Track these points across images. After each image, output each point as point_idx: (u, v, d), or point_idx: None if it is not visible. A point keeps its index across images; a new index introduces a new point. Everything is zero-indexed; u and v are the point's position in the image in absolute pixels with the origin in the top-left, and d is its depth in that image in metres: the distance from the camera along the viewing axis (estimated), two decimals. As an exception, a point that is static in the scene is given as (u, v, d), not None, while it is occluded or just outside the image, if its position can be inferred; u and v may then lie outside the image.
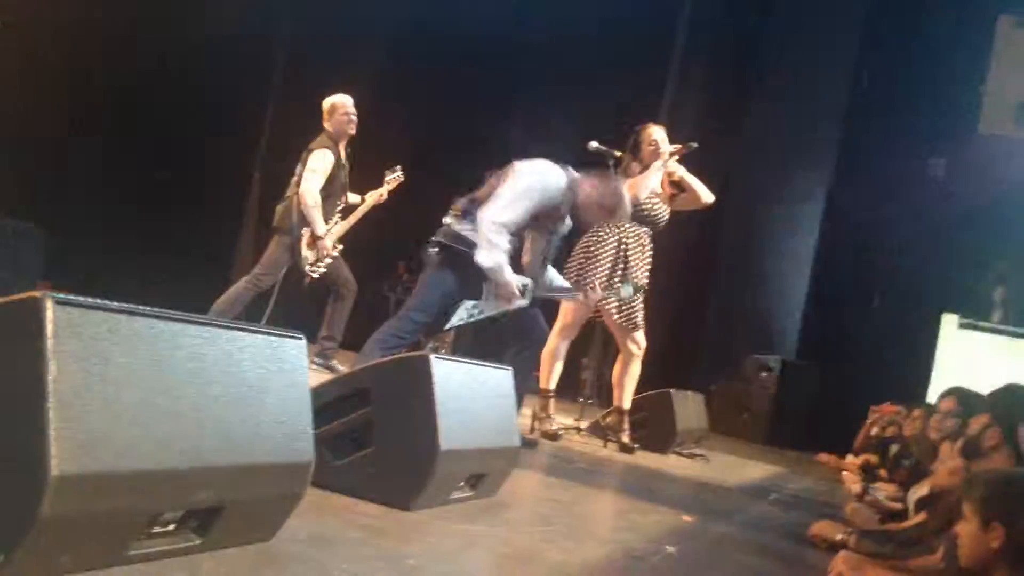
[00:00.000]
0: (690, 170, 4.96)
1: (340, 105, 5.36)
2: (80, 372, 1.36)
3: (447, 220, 3.78)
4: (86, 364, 1.37)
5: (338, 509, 2.20)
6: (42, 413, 1.29)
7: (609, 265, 4.75)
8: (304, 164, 5.21)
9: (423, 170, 6.39)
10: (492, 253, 3.61)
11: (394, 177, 5.60)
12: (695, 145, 4.87)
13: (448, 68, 8.30)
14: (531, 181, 3.69)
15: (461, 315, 3.75)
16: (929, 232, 8.35)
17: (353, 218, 5.47)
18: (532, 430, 4.66)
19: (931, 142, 8.64)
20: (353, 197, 5.57)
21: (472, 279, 3.70)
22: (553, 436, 4.71)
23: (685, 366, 7.89)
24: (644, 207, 4.80)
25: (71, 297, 1.39)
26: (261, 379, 1.74)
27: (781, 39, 8.95)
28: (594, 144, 4.95)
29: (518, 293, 3.76)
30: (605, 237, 4.79)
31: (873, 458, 5.94)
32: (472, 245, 3.65)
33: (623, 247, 4.79)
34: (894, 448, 5.62)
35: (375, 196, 5.58)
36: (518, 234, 3.75)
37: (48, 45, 6.81)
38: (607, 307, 4.76)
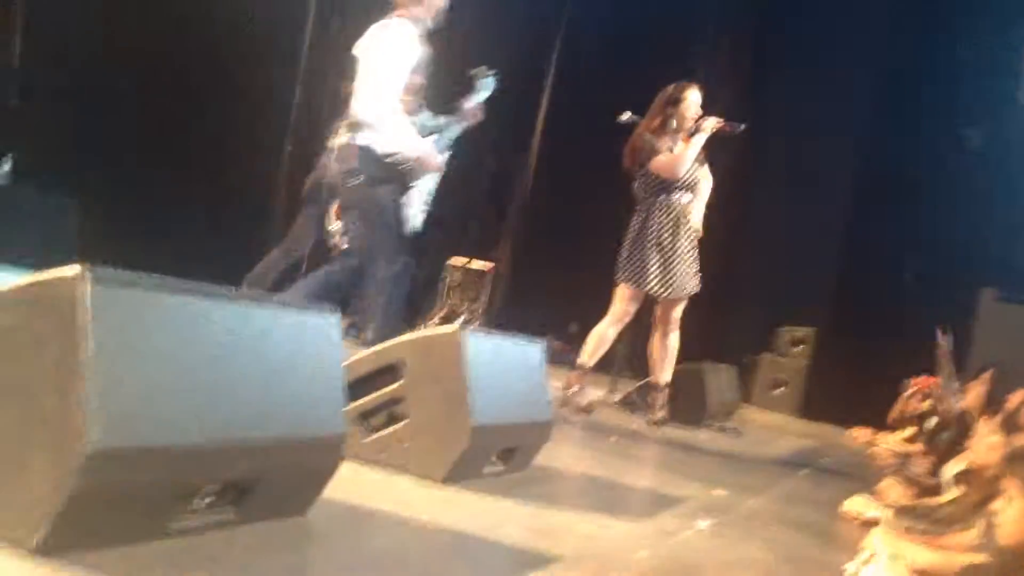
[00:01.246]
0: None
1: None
2: (117, 348, 1.37)
3: (342, 140, 3.66)
4: (123, 340, 1.38)
5: (371, 483, 2.22)
6: (80, 388, 1.31)
7: (666, 249, 4.71)
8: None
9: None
10: (390, 135, 3.53)
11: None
12: (743, 127, 4.78)
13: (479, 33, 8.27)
14: (385, 48, 3.57)
15: (417, 208, 3.74)
16: (966, 204, 8.20)
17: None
18: (564, 403, 4.67)
19: (968, 112, 8.47)
20: None
21: (401, 177, 3.65)
22: (585, 410, 4.71)
23: (718, 339, 7.84)
24: (687, 177, 4.76)
25: (109, 273, 1.40)
26: (295, 354, 1.75)
27: (814, 4, 8.79)
28: (626, 115, 4.90)
29: (438, 154, 3.73)
30: (658, 218, 4.74)
31: (910, 434, 5.89)
32: (383, 149, 3.56)
33: (676, 225, 4.75)
34: (931, 422, 5.56)
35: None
36: (409, 105, 3.65)
37: (78, 20, 6.86)
38: (650, 281, 4.71)
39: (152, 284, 1.49)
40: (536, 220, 9.64)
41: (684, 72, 5.04)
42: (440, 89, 4.16)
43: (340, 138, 3.62)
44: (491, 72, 4.12)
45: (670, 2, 8.29)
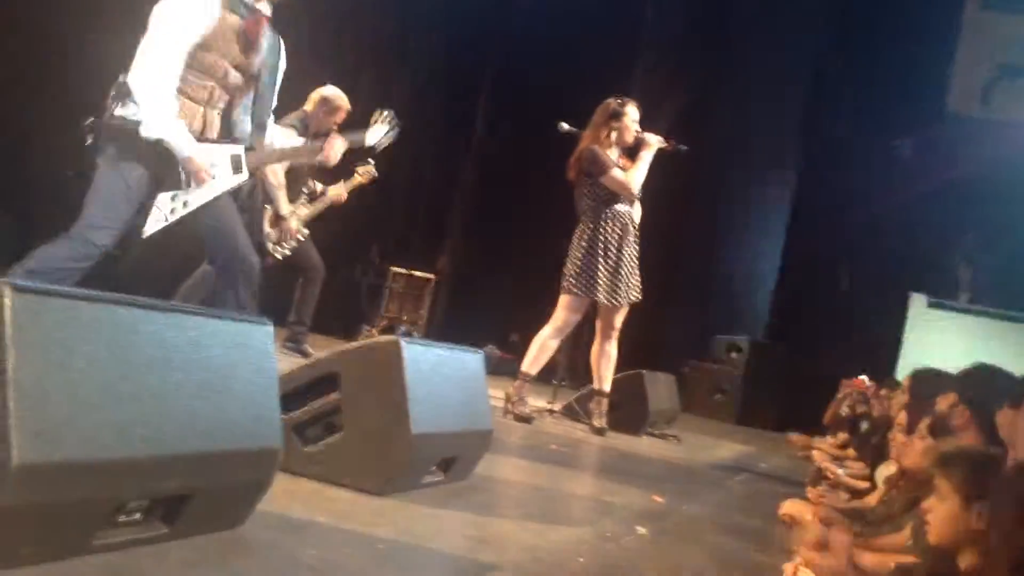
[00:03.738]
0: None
1: (338, 105, 5.09)
2: (40, 360, 1.33)
3: (107, 103, 3.03)
4: (46, 352, 1.34)
5: (308, 495, 2.19)
6: (3, 402, 1.27)
7: (612, 258, 4.75)
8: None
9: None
10: (155, 118, 2.92)
11: (365, 170, 5.23)
12: (684, 148, 4.89)
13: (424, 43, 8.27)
14: (164, 13, 2.98)
15: (159, 215, 3.01)
16: (897, 212, 8.43)
17: (320, 205, 5.33)
18: (505, 412, 4.67)
19: (899, 122, 8.72)
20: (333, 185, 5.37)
21: (161, 165, 2.99)
22: (526, 419, 4.71)
23: (656, 347, 7.93)
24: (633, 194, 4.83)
25: (30, 284, 1.36)
26: (228, 365, 1.72)
27: (750, 16, 8.97)
28: (564, 126, 4.94)
29: (209, 167, 3.03)
30: (606, 228, 4.78)
31: (844, 438, 6.02)
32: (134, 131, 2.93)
33: (622, 235, 4.80)
34: (864, 426, 5.69)
35: (336, 193, 5.24)
36: (199, 91, 3.04)
37: None
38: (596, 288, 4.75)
39: (78, 294, 1.46)
40: (477, 230, 9.66)
41: (621, 84, 5.10)
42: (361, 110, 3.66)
43: (107, 109, 3.01)
44: (389, 119, 3.58)
45: (606, 13, 8.40)
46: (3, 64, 7.03)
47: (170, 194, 3.02)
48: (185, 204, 3.03)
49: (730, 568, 2.50)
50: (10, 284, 1.31)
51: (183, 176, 3.00)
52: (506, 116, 9.21)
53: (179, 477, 1.60)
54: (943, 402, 2.80)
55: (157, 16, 2.99)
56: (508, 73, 9.31)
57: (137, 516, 1.55)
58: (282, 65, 3.33)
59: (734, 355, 8.44)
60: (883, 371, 7.35)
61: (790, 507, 3.23)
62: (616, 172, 4.76)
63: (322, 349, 3.41)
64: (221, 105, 3.14)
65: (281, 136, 3.51)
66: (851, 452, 5.50)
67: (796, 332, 8.67)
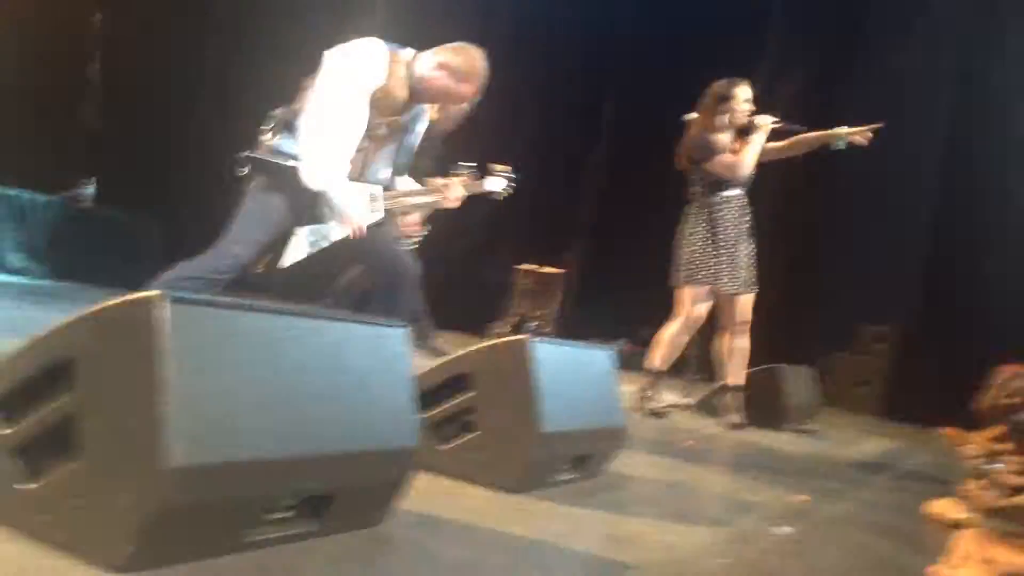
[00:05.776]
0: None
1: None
2: (194, 368, 1.41)
3: (263, 137, 3.16)
4: (199, 360, 1.42)
5: (446, 493, 2.24)
6: (159, 408, 1.35)
7: (729, 245, 4.65)
8: None
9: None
10: (319, 170, 3.04)
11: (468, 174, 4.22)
12: (803, 128, 4.72)
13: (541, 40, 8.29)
14: (342, 66, 3.05)
15: (301, 246, 3.16)
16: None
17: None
18: (638, 408, 4.63)
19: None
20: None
21: (304, 200, 3.11)
22: (660, 414, 4.67)
23: (797, 339, 7.69)
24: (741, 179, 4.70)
25: (185, 295, 1.44)
26: (365, 368, 1.78)
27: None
28: (693, 115, 4.85)
29: (361, 214, 3.14)
30: (719, 214, 4.68)
31: (1000, 431, 5.68)
32: (297, 159, 3.07)
33: (737, 221, 4.69)
34: (1021, 417, 5.36)
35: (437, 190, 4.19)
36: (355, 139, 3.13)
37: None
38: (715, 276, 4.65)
39: (226, 303, 1.54)
40: (605, 224, 9.61)
41: (739, 68, 4.95)
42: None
43: (263, 133, 3.15)
44: (508, 173, 3.64)
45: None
46: (157, 90, 7.51)
47: (310, 227, 3.16)
48: (326, 237, 3.17)
49: (875, 570, 2.41)
50: (169, 296, 1.40)
51: (327, 213, 3.12)
52: (633, 110, 9.14)
53: (323, 476, 1.66)
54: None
55: (338, 67, 3.07)
56: (634, 70, 9.25)
57: (285, 514, 1.63)
58: (423, 126, 3.41)
59: (879, 345, 8.10)
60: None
61: (940, 507, 3.08)
62: (723, 157, 4.64)
63: (456, 347, 3.47)
64: (365, 148, 3.21)
65: (411, 184, 3.57)
66: (1009, 445, 5.20)
67: (947, 319, 8.22)
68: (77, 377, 1.43)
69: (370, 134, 3.18)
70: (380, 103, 3.13)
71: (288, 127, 3.11)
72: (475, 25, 8.47)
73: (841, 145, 4.62)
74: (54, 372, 1.46)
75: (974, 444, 5.59)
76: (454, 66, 3.17)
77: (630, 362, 6.52)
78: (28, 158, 7.11)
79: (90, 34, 7.24)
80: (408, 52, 3.20)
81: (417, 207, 3.45)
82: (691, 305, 4.70)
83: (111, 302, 1.43)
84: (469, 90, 3.23)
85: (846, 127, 4.62)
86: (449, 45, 3.22)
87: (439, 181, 3.65)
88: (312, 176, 3.05)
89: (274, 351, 1.57)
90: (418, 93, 3.20)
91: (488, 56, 3.22)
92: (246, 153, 3.15)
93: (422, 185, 4.87)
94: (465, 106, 4.05)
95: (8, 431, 1.50)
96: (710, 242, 4.66)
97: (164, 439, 1.34)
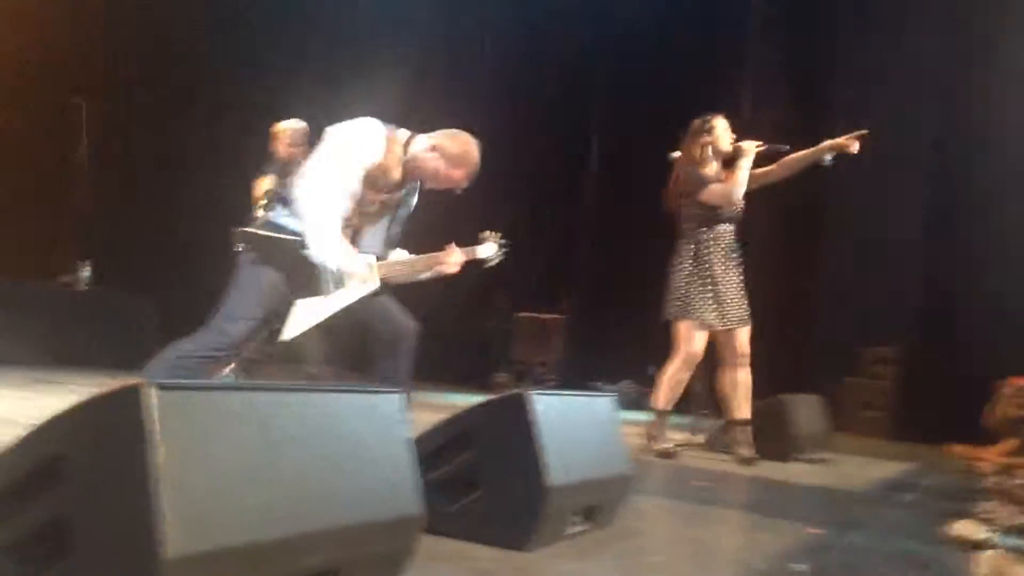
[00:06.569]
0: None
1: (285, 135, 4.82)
2: (186, 454, 1.39)
3: (259, 212, 3.21)
4: (191, 445, 1.41)
5: (452, 555, 2.20)
6: (152, 497, 1.33)
7: (718, 280, 4.65)
8: None
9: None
10: (326, 241, 3.07)
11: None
12: (787, 148, 4.74)
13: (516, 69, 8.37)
14: (342, 142, 3.11)
15: (300, 321, 3.17)
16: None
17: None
18: (647, 450, 4.59)
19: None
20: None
21: (302, 273, 3.13)
22: (669, 455, 4.63)
23: (798, 368, 7.66)
24: (732, 209, 4.71)
25: (172, 382, 1.43)
26: (363, 437, 1.76)
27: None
28: (677, 153, 4.88)
29: (366, 278, 3.20)
30: (708, 249, 4.68)
31: (1013, 445, 5.64)
32: (295, 233, 3.10)
33: (725, 256, 4.70)
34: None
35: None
36: (348, 212, 3.17)
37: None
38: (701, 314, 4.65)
39: (216, 385, 1.53)
40: (602, 266, 9.63)
41: (722, 101, 5.00)
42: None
43: (258, 209, 3.19)
44: (499, 240, 3.59)
45: (703, 36, 8.33)
46: (154, 163, 7.58)
47: (308, 300, 3.16)
48: (326, 309, 3.17)
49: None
50: (155, 384, 1.39)
51: (325, 285, 3.14)
52: (621, 149, 9.23)
53: (326, 553, 1.63)
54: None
55: (338, 141, 3.12)
56: (618, 108, 9.35)
57: (289, 595, 1.59)
58: (415, 200, 3.42)
59: (882, 367, 8.08)
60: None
61: (960, 528, 3.04)
62: (714, 186, 4.67)
63: (460, 403, 3.45)
64: (354, 224, 3.24)
65: (403, 255, 3.54)
66: (1022, 459, 5.15)
67: (946, 336, 8.19)
68: (68, 473, 1.41)
69: (361, 210, 3.21)
70: (375, 180, 3.17)
71: (282, 200, 3.14)
72: (460, 74, 8.59)
73: (829, 159, 4.64)
74: (44, 469, 1.44)
75: (987, 460, 5.55)
76: (447, 150, 3.22)
77: (639, 403, 6.48)
78: (23, 245, 7.17)
79: (77, 118, 7.32)
80: (404, 133, 3.25)
81: (414, 273, 3.43)
82: (687, 342, 4.68)
83: (98, 394, 1.42)
84: (460, 176, 3.25)
85: (829, 140, 4.65)
86: (445, 131, 3.28)
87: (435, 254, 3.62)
88: (322, 249, 3.08)
89: (267, 429, 1.55)
90: (410, 172, 3.25)
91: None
92: (240, 228, 3.17)
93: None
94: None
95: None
96: (696, 278, 4.67)
97: (160, 529, 1.31)
